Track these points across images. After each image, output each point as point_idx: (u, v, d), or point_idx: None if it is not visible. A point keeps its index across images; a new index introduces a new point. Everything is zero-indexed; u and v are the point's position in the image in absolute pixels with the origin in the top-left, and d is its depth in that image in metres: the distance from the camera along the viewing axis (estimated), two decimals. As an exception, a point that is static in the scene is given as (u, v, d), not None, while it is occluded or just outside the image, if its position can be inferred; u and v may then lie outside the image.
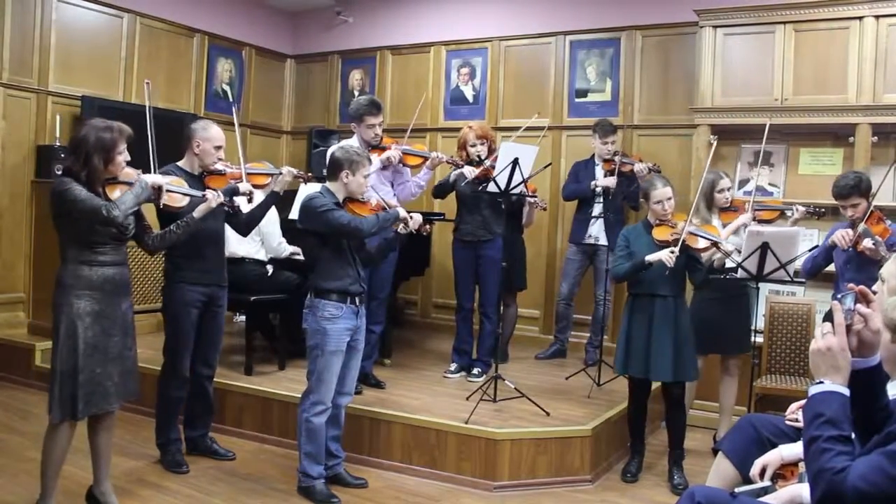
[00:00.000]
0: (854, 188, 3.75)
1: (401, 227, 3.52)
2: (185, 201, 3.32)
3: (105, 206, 2.87)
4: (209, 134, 3.65)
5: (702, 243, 3.69)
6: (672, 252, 3.54)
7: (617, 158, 4.99)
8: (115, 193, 3.01)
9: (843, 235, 3.74)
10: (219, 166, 3.69)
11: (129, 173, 3.08)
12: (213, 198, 3.36)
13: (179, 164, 3.69)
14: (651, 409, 3.99)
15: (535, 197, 4.73)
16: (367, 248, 3.59)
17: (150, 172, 3.23)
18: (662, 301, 3.67)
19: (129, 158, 3.04)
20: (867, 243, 3.59)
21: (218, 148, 3.67)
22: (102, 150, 2.92)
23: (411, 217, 3.54)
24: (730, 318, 4.04)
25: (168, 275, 3.68)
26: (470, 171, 4.54)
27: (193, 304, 3.64)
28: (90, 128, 2.96)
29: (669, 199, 3.74)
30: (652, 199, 3.76)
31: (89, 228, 2.92)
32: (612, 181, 4.96)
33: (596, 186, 5.10)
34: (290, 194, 4.47)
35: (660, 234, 3.72)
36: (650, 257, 3.62)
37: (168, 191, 3.22)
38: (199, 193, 3.40)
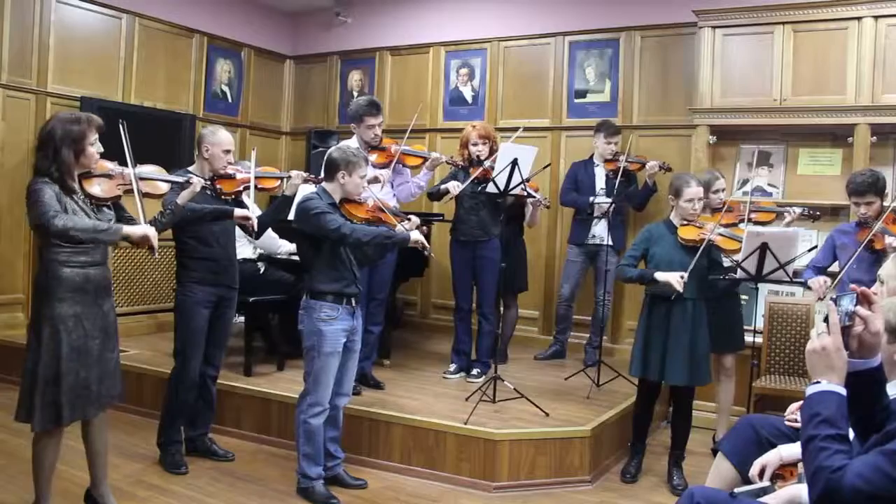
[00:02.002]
0: (871, 185, 3.73)
1: (420, 248, 3.47)
2: (165, 187, 3.23)
3: (50, 214, 2.66)
4: (218, 138, 3.67)
5: (732, 244, 3.65)
6: (682, 277, 3.47)
7: (622, 158, 4.94)
8: (94, 188, 2.91)
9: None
10: (229, 170, 3.69)
11: (105, 165, 2.98)
12: (197, 182, 3.32)
13: (190, 169, 3.71)
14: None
15: (537, 194, 4.70)
16: (364, 248, 3.57)
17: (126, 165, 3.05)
18: (681, 303, 3.62)
19: (101, 150, 2.92)
20: (892, 241, 3.54)
21: (227, 152, 3.68)
22: (71, 143, 2.79)
23: (422, 230, 3.47)
24: (719, 317, 3.98)
25: (179, 276, 3.70)
26: (455, 186, 4.51)
27: (204, 303, 3.66)
28: (57, 121, 2.84)
29: (701, 199, 3.71)
30: (683, 196, 3.68)
31: None
32: (606, 200, 5.01)
33: (594, 202, 5.12)
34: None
35: (686, 233, 3.67)
36: (660, 276, 3.53)
37: (145, 178, 3.11)
38: (180, 179, 3.32)
